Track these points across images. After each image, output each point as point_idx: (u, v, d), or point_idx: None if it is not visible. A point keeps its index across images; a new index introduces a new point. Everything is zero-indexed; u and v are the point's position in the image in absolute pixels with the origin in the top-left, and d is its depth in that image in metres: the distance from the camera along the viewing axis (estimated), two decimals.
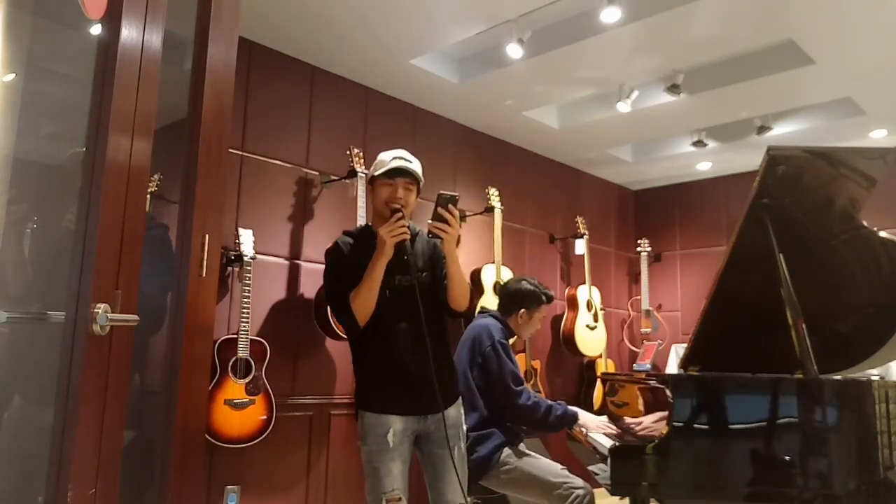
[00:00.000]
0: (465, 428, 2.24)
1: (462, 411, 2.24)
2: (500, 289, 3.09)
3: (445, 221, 2.04)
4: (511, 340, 2.94)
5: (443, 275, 2.17)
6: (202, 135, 1.74)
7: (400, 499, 2.02)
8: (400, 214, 2.09)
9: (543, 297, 2.96)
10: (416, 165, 2.19)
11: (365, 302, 2.06)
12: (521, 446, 2.78)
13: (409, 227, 2.18)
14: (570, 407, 2.72)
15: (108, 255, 1.47)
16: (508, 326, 2.93)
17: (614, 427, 2.63)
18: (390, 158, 2.16)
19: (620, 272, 5.86)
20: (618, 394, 2.90)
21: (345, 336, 3.41)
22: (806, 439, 1.98)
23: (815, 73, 3.65)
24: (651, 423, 2.33)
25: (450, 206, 2.04)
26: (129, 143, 1.53)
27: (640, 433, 2.42)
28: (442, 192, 2.05)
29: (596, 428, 2.62)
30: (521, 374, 2.78)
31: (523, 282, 3.00)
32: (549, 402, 2.73)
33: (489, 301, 4.08)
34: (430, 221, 2.06)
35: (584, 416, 2.67)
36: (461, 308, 2.18)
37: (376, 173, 2.18)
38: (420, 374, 2.06)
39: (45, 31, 1.91)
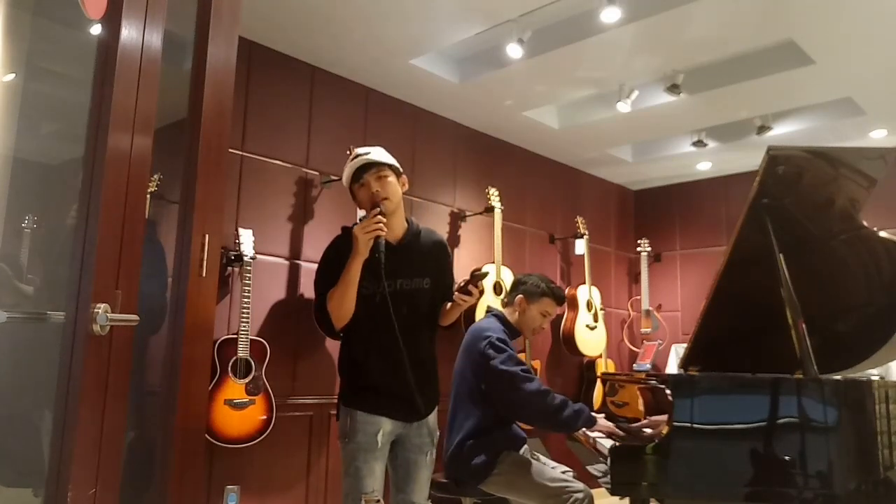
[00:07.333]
0: (437, 433, 2.29)
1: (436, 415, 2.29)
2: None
3: (469, 294, 2.15)
4: (516, 342, 2.87)
5: (445, 286, 2.26)
6: (202, 135, 1.74)
7: (379, 500, 1.99)
8: (378, 210, 2.05)
9: (546, 290, 2.85)
10: (376, 153, 2.15)
11: (340, 304, 2.05)
12: (522, 451, 2.75)
13: (409, 224, 2.19)
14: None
15: (108, 255, 1.47)
16: (510, 325, 2.86)
17: (620, 433, 2.57)
18: (350, 162, 2.17)
19: (620, 272, 5.86)
20: (618, 394, 2.90)
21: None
22: (806, 439, 1.98)
23: (815, 73, 3.64)
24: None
25: (480, 282, 2.17)
26: (129, 143, 1.53)
27: (648, 434, 2.40)
28: (476, 270, 2.19)
29: (605, 429, 2.55)
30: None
31: (533, 276, 2.95)
32: (565, 397, 2.58)
33: (489, 302, 4.07)
34: (456, 293, 2.17)
35: (601, 423, 2.53)
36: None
37: (345, 183, 2.20)
38: (414, 382, 2.12)
39: (45, 31, 1.91)
